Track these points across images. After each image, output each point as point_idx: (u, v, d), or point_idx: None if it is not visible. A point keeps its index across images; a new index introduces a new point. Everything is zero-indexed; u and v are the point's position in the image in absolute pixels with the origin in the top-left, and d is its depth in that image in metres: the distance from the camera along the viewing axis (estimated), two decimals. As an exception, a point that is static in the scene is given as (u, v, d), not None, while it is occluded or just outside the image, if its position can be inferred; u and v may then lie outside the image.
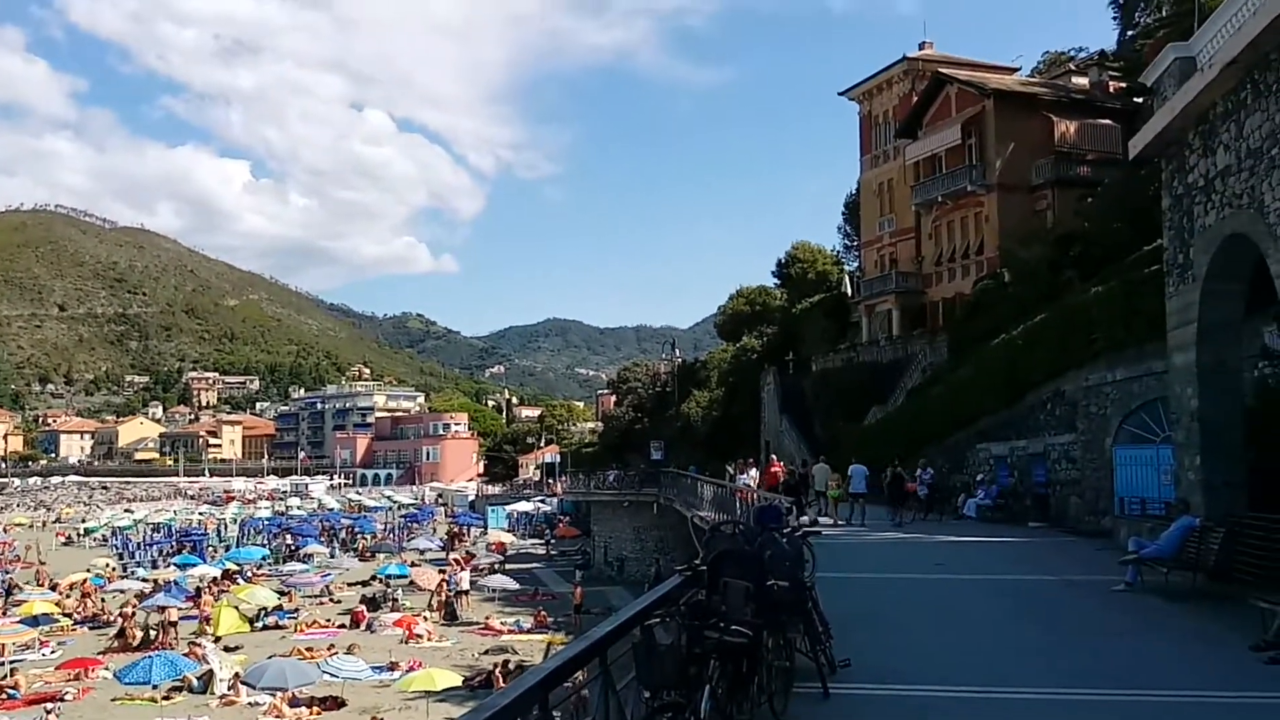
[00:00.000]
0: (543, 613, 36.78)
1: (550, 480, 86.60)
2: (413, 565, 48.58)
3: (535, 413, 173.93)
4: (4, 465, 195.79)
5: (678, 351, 76.25)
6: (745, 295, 74.22)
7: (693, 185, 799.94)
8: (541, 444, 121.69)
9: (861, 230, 59.32)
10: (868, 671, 8.91)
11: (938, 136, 48.24)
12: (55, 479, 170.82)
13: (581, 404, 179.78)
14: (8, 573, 53.81)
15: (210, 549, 61.59)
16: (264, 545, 61.78)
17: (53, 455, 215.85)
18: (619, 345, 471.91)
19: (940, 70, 50.31)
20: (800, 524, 11.62)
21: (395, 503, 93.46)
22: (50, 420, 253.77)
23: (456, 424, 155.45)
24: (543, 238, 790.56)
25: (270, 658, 26.59)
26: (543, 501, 77.55)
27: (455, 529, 69.74)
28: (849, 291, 56.71)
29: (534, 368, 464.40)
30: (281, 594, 40.76)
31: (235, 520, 79.74)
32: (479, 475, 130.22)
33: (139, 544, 67.64)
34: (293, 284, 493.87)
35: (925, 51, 54.99)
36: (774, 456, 32.50)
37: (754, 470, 29.76)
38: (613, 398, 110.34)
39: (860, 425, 43.47)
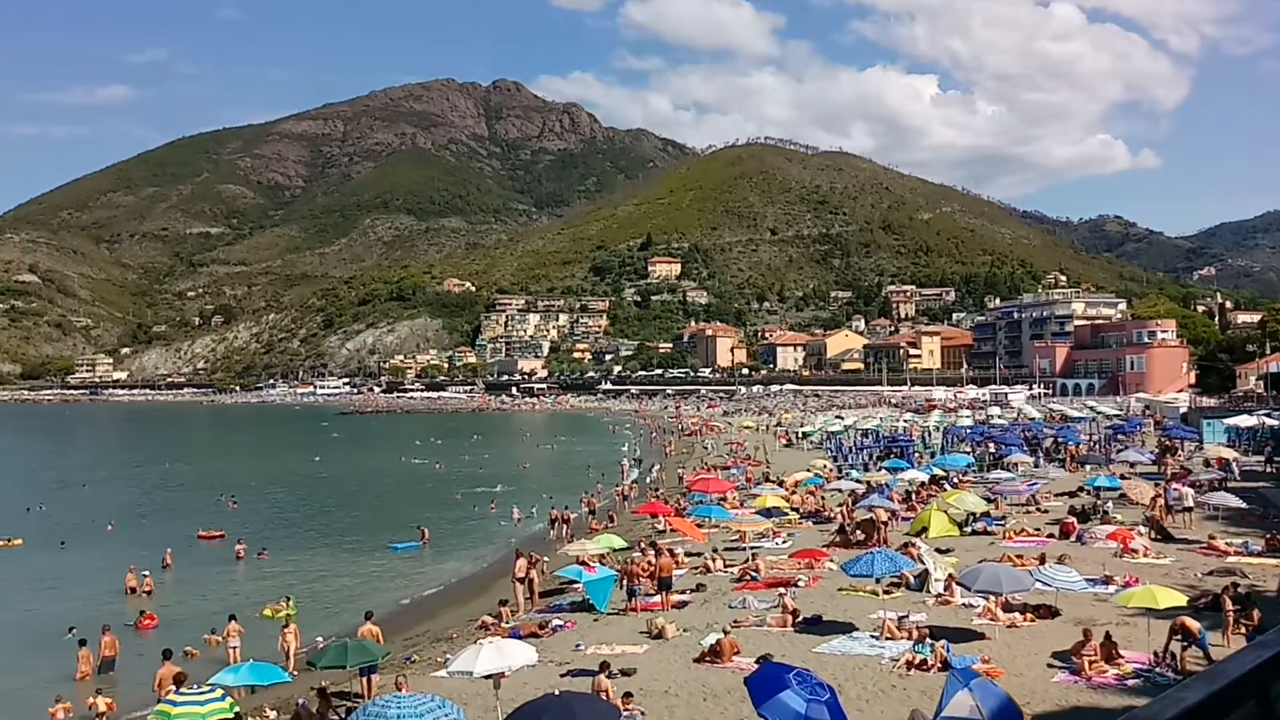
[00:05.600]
0: (1276, 535, 33.28)
1: (1276, 392, 77.72)
2: (1123, 478, 46.54)
3: (1255, 318, 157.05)
4: (734, 375, 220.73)
5: None
6: None
7: None
8: (1266, 352, 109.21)
9: None
10: None
11: None
12: (774, 387, 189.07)
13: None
14: (746, 471, 61.12)
15: (916, 454, 64.18)
16: (968, 453, 63.01)
17: (770, 366, 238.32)
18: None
19: None
20: None
21: (1099, 413, 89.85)
22: (767, 334, 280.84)
23: (1163, 331, 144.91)
24: (1262, 119, 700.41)
25: (981, 562, 27.22)
26: (1268, 415, 69.77)
27: (1167, 442, 65.35)
28: None
29: (1251, 267, 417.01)
30: (988, 501, 41.41)
31: (938, 428, 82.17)
32: (1189, 386, 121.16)
33: (850, 448, 72.60)
34: (984, 193, 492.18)
35: None
36: None
37: None
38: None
39: None
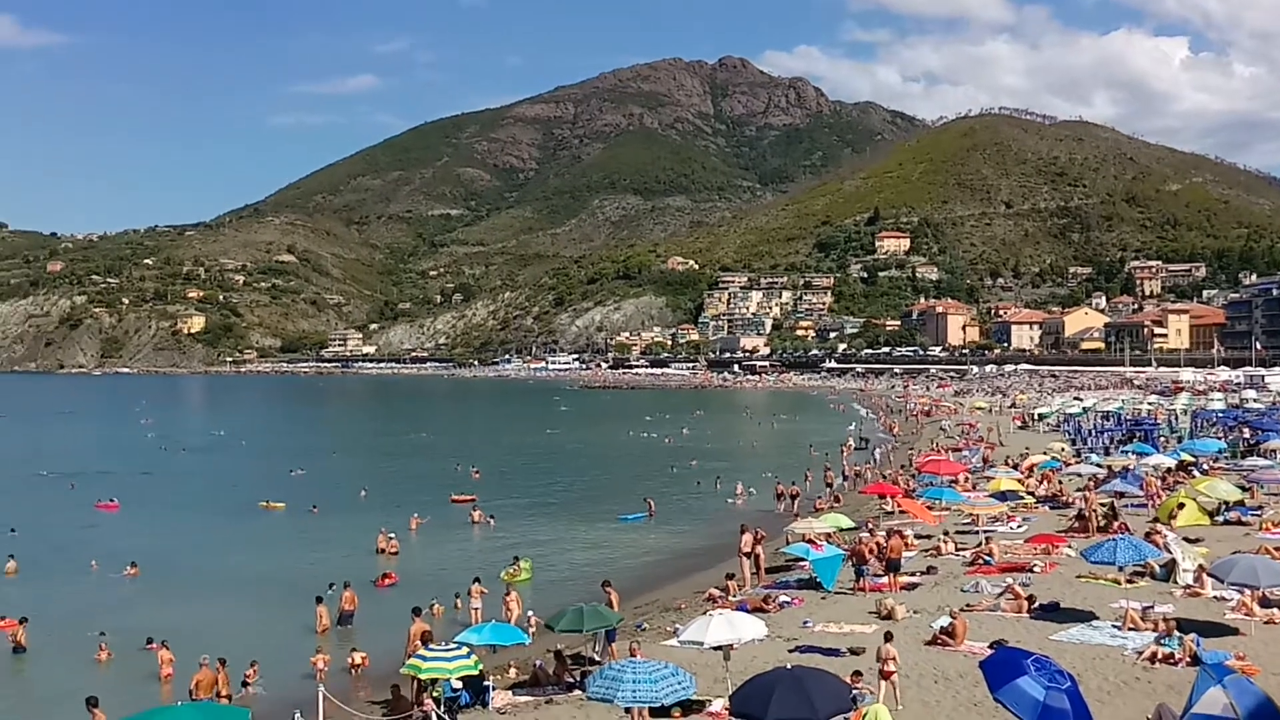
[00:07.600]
0: None
1: None
2: (1401, 470, 42.81)
3: None
4: (965, 354, 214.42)
5: None
6: None
7: None
8: None
9: None
10: None
11: None
12: (1008, 367, 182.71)
13: None
14: (982, 453, 59.49)
15: (1162, 439, 60.86)
16: (1219, 438, 59.29)
17: (1004, 345, 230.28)
18: None
19: None
20: None
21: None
22: (1001, 312, 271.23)
23: None
24: None
25: (1235, 553, 25.69)
26: None
27: None
28: None
29: None
30: (1243, 489, 38.93)
31: (1186, 411, 77.58)
32: None
33: (1090, 430, 69.48)
34: (1240, 162, 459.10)
35: None
36: None
37: None
38: None
39: None
